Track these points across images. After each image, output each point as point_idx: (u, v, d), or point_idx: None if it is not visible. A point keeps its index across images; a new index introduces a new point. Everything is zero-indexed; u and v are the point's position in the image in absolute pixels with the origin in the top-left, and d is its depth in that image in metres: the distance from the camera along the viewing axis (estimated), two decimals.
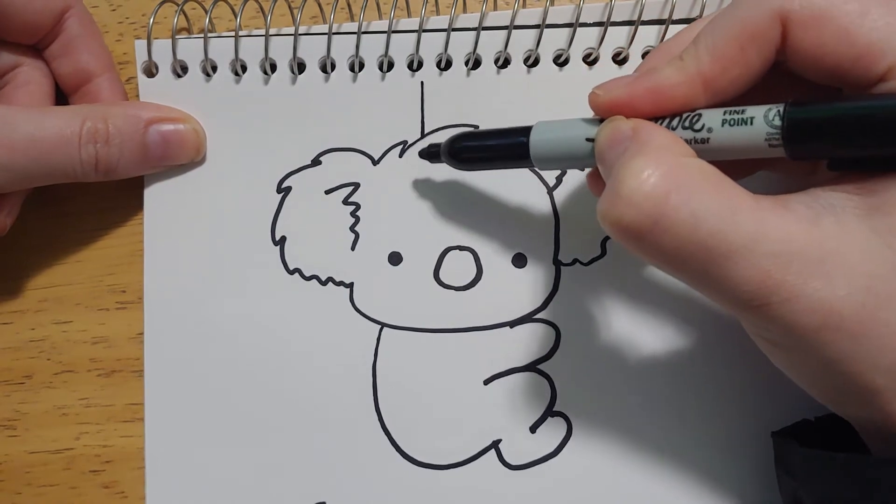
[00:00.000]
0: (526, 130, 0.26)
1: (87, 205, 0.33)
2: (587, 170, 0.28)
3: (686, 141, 0.22)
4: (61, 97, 0.32)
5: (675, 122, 0.22)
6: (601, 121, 0.23)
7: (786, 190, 0.22)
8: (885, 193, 0.20)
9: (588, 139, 0.24)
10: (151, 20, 0.31)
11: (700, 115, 0.22)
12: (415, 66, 0.31)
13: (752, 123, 0.21)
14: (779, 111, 0.21)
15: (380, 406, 0.31)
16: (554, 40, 0.31)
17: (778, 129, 0.20)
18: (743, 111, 0.21)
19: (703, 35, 0.22)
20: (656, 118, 0.23)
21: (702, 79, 0.22)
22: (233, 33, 0.31)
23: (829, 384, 0.21)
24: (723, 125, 0.21)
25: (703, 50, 0.22)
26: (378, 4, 0.32)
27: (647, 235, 0.20)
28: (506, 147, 0.26)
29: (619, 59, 0.31)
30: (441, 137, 0.31)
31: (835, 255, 0.19)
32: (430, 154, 0.29)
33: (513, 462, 0.30)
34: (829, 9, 0.20)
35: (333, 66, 0.32)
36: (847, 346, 0.19)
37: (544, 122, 0.25)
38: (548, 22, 0.30)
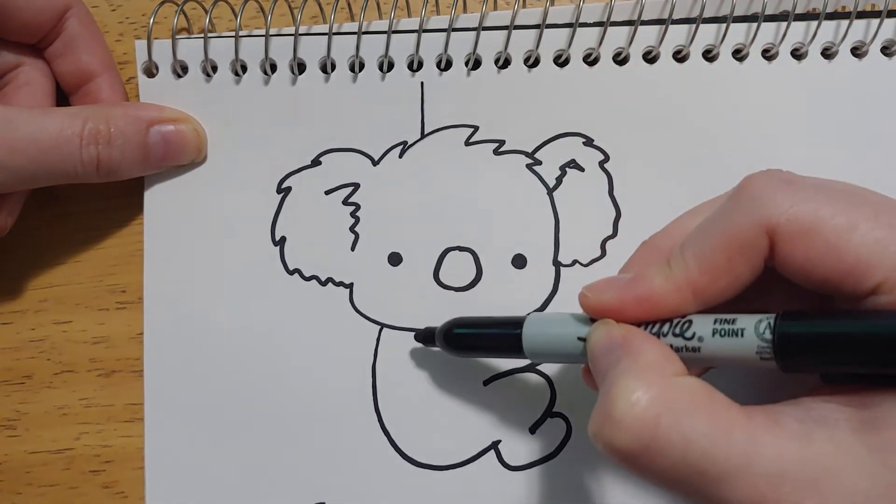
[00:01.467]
0: (519, 323, 0.26)
1: (87, 205, 0.33)
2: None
3: (677, 349, 0.22)
4: (62, 97, 0.32)
5: (665, 328, 0.22)
6: (593, 319, 0.24)
7: (776, 383, 0.22)
8: (878, 408, 0.20)
9: (580, 338, 0.24)
10: (151, 20, 0.31)
11: (690, 321, 0.22)
12: (415, 66, 0.31)
13: (742, 335, 0.21)
14: (769, 323, 0.20)
15: (379, 406, 0.31)
16: (554, 40, 0.31)
17: (769, 343, 0.20)
18: (734, 321, 0.21)
19: (691, 243, 0.22)
20: (646, 323, 0.23)
21: (691, 288, 0.22)
22: (233, 33, 0.31)
23: None
24: (713, 335, 0.21)
25: (690, 259, 0.22)
26: (378, 4, 0.32)
27: (639, 458, 0.20)
28: (500, 339, 0.27)
29: (620, 59, 0.31)
30: (441, 145, 0.31)
31: (828, 473, 0.19)
32: (426, 337, 0.30)
33: (512, 463, 0.30)
34: (817, 223, 0.20)
35: (333, 67, 0.32)
36: None
37: (537, 317, 0.26)
38: (548, 22, 0.30)
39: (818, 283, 0.21)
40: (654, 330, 0.22)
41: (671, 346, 0.22)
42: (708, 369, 0.24)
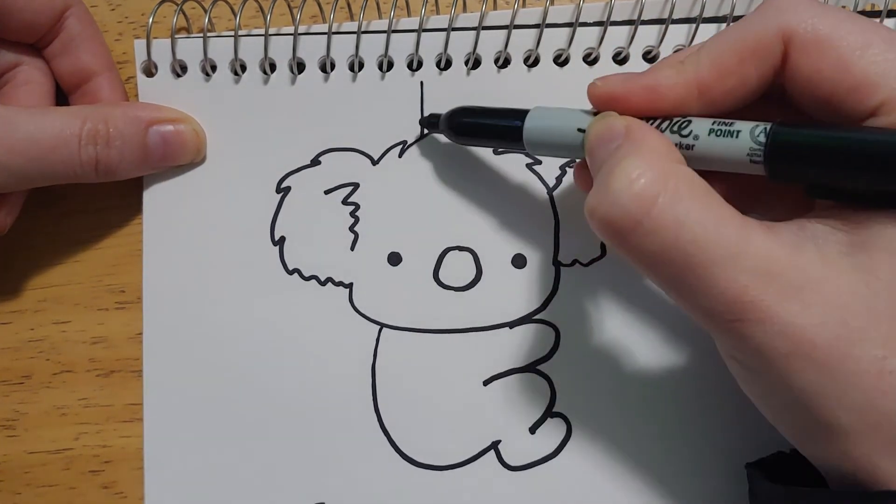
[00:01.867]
0: (523, 114, 0.26)
1: (87, 205, 0.33)
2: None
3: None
4: (61, 96, 0.32)
5: (664, 125, 0.23)
6: (596, 114, 0.24)
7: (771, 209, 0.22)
8: (867, 231, 0.20)
9: (580, 129, 0.24)
10: (151, 20, 0.31)
11: (690, 121, 0.22)
12: (414, 65, 0.31)
13: (737, 137, 0.21)
14: (765, 129, 0.21)
15: (379, 406, 0.31)
16: (554, 40, 0.31)
17: (761, 146, 0.21)
18: (731, 124, 0.21)
19: (708, 43, 0.23)
20: (648, 118, 0.23)
21: (698, 84, 0.22)
22: (232, 33, 0.31)
23: (795, 418, 0.21)
24: (709, 134, 0.22)
25: (703, 56, 0.22)
26: (378, 4, 0.32)
27: (630, 235, 0.20)
28: (501, 128, 0.27)
29: (620, 58, 0.31)
30: (441, 145, 0.31)
31: (814, 283, 0.19)
32: (430, 123, 0.30)
33: (512, 463, 0.30)
34: (832, 36, 0.21)
35: (333, 66, 0.32)
36: (815, 378, 0.19)
37: (541, 108, 0.26)
38: (548, 21, 0.30)
39: (823, 100, 0.21)
40: (654, 124, 0.23)
41: None
42: None
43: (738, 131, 0.21)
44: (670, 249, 0.20)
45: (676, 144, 0.22)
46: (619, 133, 0.22)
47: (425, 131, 0.31)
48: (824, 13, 0.21)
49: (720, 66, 0.22)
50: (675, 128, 0.22)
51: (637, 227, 0.20)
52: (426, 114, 0.31)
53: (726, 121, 0.22)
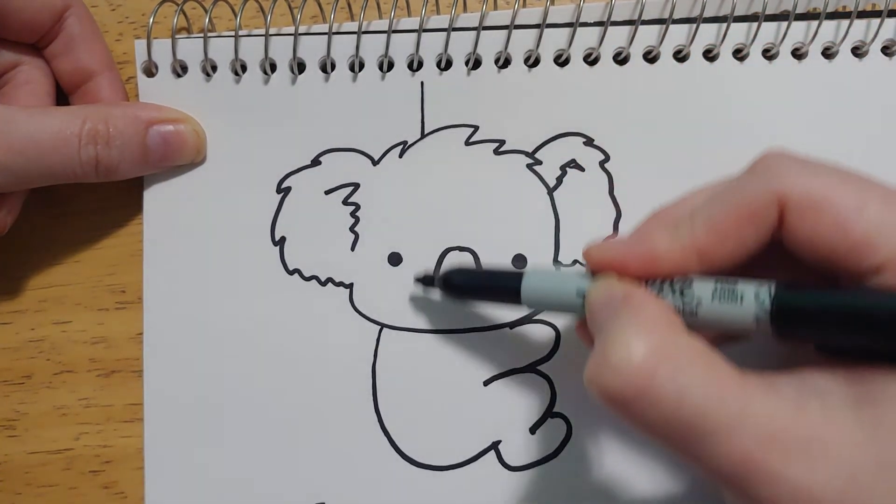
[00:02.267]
0: (518, 276, 0.26)
1: (87, 205, 0.33)
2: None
3: (675, 310, 0.22)
4: (62, 96, 0.32)
5: (665, 287, 0.22)
6: (593, 275, 0.24)
7: (773, 358, 0.22)
8: (872, 384, 0.20)
9: (580, 293, 0.24)
10: (151, 20, 0.31)
11: (692, 281, 0.22)
12: (415, 65, 0.31)
13: (741, 302, 0.21)
14: (769, 290, 0.21)
15: (379, 407, 0.31)
16: (554, 40, 0.31)
17: (767, 310, 0.21)
18: (734, 284, 0.21)
19: (701, 208, 0.23)
20: (647, 282, 0.23)
21: (696, 250, 0.22)
22: (233, 33, 0.31)
23: None
24: (713, 299, 0.22)
25: (699, 221, 0.22)
26: (378, 4, 0.32)
27: (631, 406, 0.20)
28: (499, 290, 0.27)
29: (620, 58, 0.31)
30: (441, 145, 0.31)
31: (818, 441, 0.19)
32: (426, 281, 0.30)
33: (512, 463, 0.30)
34: (828, 199, 0.21)
35: (333, 66, 0.32)
36: None
37: (536, 271, 0.26)
38: (548, 22, 0.30)
39: (823, 259, 0.21)
40: (655, 287, 0.23)
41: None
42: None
43: (742, 295, 0.21)
44: (672, 420, 0.20)
45: (679, 309, 0.22)
46: (618, 300, 0.22)
47: (426, 132, 0.31)
48: (817, 174, 0.21)
49: (717, 232, 0.22)
50: (677, 290, 0.22)
51: (637, 399, 0.20)
52: (426, 114, 0.31)
53: (729, 281, 0.22)
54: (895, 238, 0.20)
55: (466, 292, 0.29)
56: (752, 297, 0.21)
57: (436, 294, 0.30)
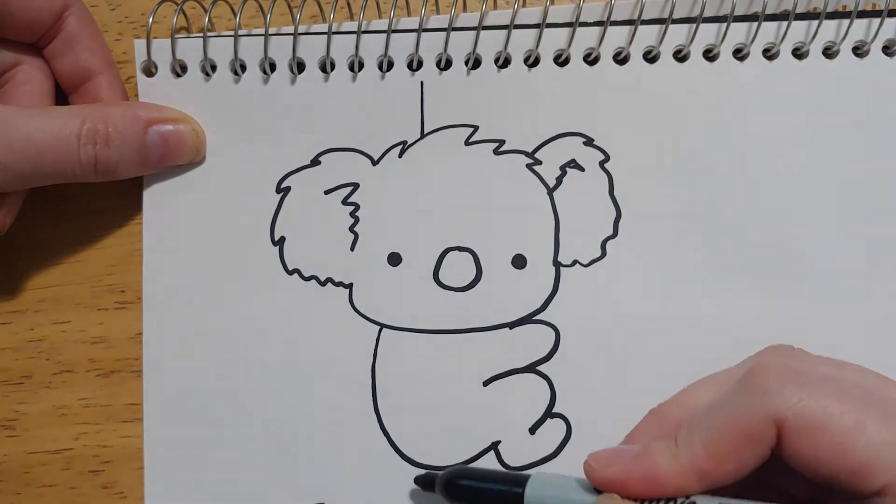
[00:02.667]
0: (521, 481, 0.26)
1: (87, 205, 0.33)
2: None
3: None
4: (61, 96, 0.32)
5: None
6: (597, 490, 0.24)
7: None
8: None
9: None
10: (151, 19, 0.31)
11: (693, 503, 0.22)
12: (415, 65, 0.31)
13: None
14: None
15: (379, 407, 0.31)
16: (554, 40, 0.31)
17: None
18: None
19: (699, 425, 0.23)
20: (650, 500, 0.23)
21: (696, 470, 0.22)
22: (232, 33, 0.31)
23: None
24: None
25: (697, 442, 0.22)
26: (378, 4, 0.32)
27: None
28: (501, 494, 0.26)
29: (620, 58, 0.31)
30: (441, 145, 0.31)
31: None
32: (426, 482, 0.29)
33: (512, 463, 0.30)
34: (824, 421, 0.21)
35: (333, 66, 0.32)
36: None
37: (540, 478, 0.26)
38: (548, 21, 0.30)
39: (824, 479, 0.21)
40: None
41: None
42: None
43: None
44: None
45: None
46: None
47: (426, 132, 0.31)
48: (810, 393, 0.21)
49: (717, 454, 0.22)
50: None
51: None
52: (426, 114, 0.31)
53: (731, 502, 0.22)
54: (895, 461, 0.20)
55: (467, 496, 0.28)
56: None
57: (435, 497, 0.29)
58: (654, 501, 0.23)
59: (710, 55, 0.31)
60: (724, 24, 0.30)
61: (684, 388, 0.26)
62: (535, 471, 0.26)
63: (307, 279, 0.31)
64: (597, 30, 0.30)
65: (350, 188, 0.32)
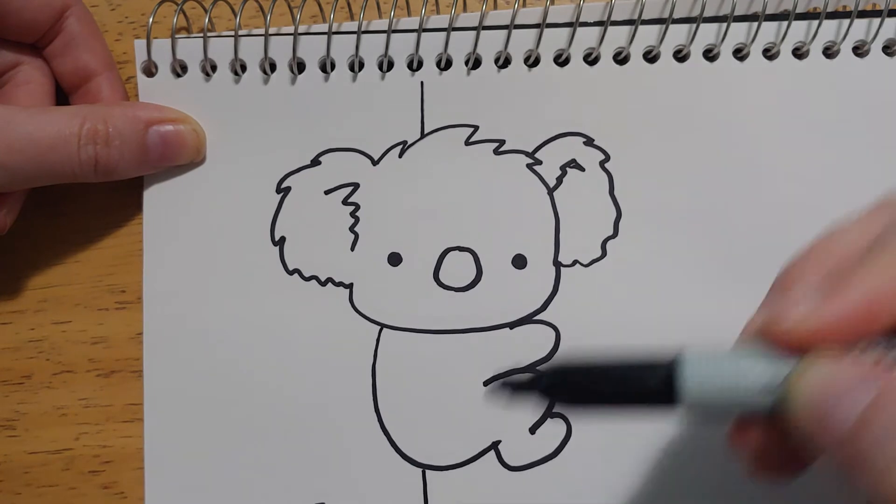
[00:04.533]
0: (667, 366, 0.19)
1: (87, 205, 0.33)
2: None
3: None
4: (61, 96, 0.32)
5: (869, 349, 0.17)
6: (775, 360, 0.18)
7: None
8: None
9: (770, 387, 0.18)
10: (151, 20, 0.31)
11: None
12: (415, 65, 0.31)
13: None
14: None
15: (379, 407, 0.31)
16: (554, 40, 0.31)
17: None
18: None
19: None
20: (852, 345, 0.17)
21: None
22: (232, 33, 0.31)
23: None
24: None
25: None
26: (378, 4, 0.32)
27: None
28: (640, 381, 0.20)
29: (620, 58, 0.31)
30: (441, 145, 0.31)
31: None
32: (517, 386, 0.21)
33: (512, 463, 0.30)
34: None
35: (333, 66, 0.32)
36: None
37: (699, 357, 0.19)
38: (548, 21, 0.30)
39: None
40: (857, 353, 0.17)
41: None
42: None
43: None
44: None
45: None
46: (859, 388, 0.16)
47: (426, 132, 0.31)
48: None
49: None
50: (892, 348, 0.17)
51: None
52: (426, 114, 0.31)
53: None
54: None
55: (586, 396, 0.20)
56: None
57: (527, 402, 0.21)
58: (859, 346, 0.17)
59: (710, 55, 0.31)
60: (724, 24, 0.30)
61: (804, 247, 0.20)
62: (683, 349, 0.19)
63: (307, 279, 0.31)
64: (597, 30, 0.30)
65: (350, 188, 0.32)
